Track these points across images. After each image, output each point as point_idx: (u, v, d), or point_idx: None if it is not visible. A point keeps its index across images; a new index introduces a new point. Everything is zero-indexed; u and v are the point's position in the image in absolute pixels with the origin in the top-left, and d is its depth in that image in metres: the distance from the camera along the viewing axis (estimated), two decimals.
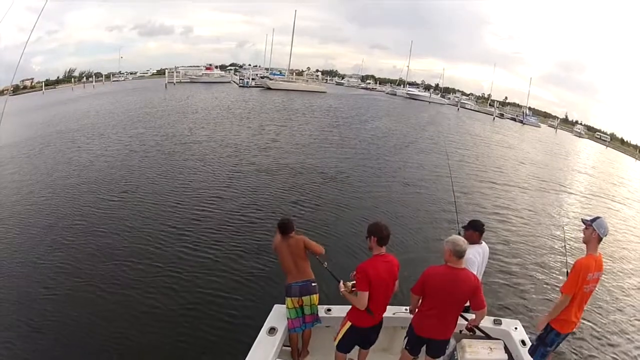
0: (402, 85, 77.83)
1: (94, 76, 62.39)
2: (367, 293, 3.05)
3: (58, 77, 65.91)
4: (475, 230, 3.87)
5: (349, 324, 3.32)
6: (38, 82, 56.86)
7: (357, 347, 3.57)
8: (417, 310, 3.37)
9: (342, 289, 3.25)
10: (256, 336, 3.50)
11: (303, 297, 3.67)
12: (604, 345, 5.87)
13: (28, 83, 57.04)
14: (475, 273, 3.42)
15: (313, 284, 3.74)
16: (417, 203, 11.75)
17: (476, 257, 3.73)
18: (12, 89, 35.97)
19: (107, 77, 65.31)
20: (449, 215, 9.68)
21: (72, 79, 64.22)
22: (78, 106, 29.72)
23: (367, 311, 3.13)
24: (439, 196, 12.25)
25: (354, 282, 3.23)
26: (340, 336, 3.40)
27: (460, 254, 2.97)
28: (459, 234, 3.83)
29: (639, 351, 5.92)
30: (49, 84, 58.22)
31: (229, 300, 6.00)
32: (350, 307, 3.33)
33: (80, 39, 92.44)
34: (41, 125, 22.00)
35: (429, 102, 64.44)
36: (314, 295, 3.73)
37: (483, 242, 3.94)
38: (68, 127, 21.03)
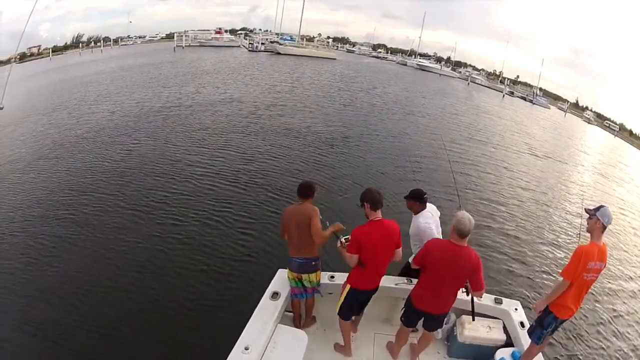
0: (413, 56, 76.26)
1: (102, 41, 61.71)
2: (355, 256, 3.15)
3: (66, 43, 65.04)
4: (415, 200, 3.77)
5: (348, 286, 3.36)
6: (45, 49, 55.95)
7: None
8: (417, 283, 3.37)
9: (338, 245, 3.35)
10: (259, 300, 3.49)
11: (302, 274, 3.58)
12: (600, 338, 5.83)
13: (35, 50, 56.11)
14: (434, 236, 3.54)
15: (314, 262, 3.57)
16: (418, 170, 11.54)
17: (429, 224, 3.66)
18: (18, 57, 35.66)
19: (116, 41, 64.55)
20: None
21: (80, 44, 63.63)
22: (86, 71, 29.54)
23: (359, 264, 3.20)
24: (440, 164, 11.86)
25: (348, 237, 3.29)
26: (341, 302, 3.43)
27: (462, 234, 2.93)
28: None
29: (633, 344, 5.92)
30: (57, 50, 57.16)
31: (233, 264, 6.00)
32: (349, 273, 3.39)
33: (89, 4, 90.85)
34: (49, 89, 21.79)
35: (440, 74, 63.24)
36: (313, 274, 3.59)
37: (428, 204, 3.83)
38: (79, 90, 20.76)
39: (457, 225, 2.93)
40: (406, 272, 3.97)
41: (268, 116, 15.87)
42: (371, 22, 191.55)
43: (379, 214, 3.19)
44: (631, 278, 8.05)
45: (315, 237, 3.38)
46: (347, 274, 3.50)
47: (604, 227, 2.99)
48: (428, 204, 3.85)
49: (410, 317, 3.39)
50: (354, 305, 3.49)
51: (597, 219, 2.99)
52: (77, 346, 4.47)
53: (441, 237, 3.72)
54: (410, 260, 3.92)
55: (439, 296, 3.16)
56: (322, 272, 3.74)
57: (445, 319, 3.55)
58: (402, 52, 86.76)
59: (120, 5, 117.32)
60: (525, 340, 3.46)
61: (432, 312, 3.26)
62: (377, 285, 3.43)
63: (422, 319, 3.39)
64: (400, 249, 3.33)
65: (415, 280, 3.67)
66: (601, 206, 3.07)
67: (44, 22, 70.94)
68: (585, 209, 3.16)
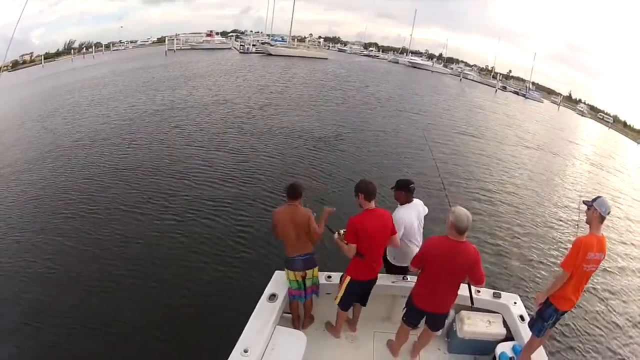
0: (405, 54, 76.51)
1: (93, 46, 61.48)
2: (354, 245, 3.24)
3: (58, 50, 64.52)
4: (400, 190, 3.76)
5: (348, 278, 3.41)
6: (38, 56, 55.33)
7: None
8: (416, 282, 3.36)
9: (335, 237, 3.48)
10: (256, 302, 3.50)
11: (307, 271, 3.62)
12: (600, 329, 5.88)
13: (27, 57, 55.53)
14: (400, 234, 3.58)
15: (314, 257, 3.69)
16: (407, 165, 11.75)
17: (403, 220, 3.66)
18: (10, 64, 35.23)
19: (107, 47, 64.19)
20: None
21: (72, 51, 63.22)
22: (78, 77, 29.21)
23: (359, 255, 3.28)
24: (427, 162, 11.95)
25: (343, 230, 3.41)
26: (341, 293, 3.50)
27: (460, 230, 2.90)
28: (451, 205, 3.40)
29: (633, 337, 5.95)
30: (49, 56, 56.46)
31: (230, 266, 6.00)
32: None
33: (81, 9, 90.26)
34: (42, 96, 21.44)
35: (432, 71, 63.21)
36: (315, 269, 3.69)
37: (414, 199, 3.83)
38: (72, 96, 20.56)
39: (455, 222, 2.90)
40: (390, 271, 4.03)
41: (262, 116, 15.94)
42: (363, 22, 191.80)
43: (372, 204, 3.30)
44: (628, 264, 8.26)
45: (315, 236, 3.56)
46: (342, 274, 3.60)
47: (602, 218, 3.02)
48: (415, 200, 3.86)
49: (412, 316, 3.40)
50: (353, 296, 3.57)
51: (594, 209, 3.01)
52: (77, 345, 4.54)
53: (421, 233, 3.85)
54: (388, 258, 4.02)
55: (437, 294, 3.16)
56: (319, 272, 3.80)
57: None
58: (394, 50, 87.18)
59: (113, 9, 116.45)
60: (525, 334, 3.46)
61: (433, 312, 3.27)
62: (376, 275, 3.52)
63: (424, 317, 3.41)
64: (397, 235, 3.46)
65: (410, 277, 3.79)
66: (598, 197, 3.09)
67: (39, 27, 70.33)
68: (582, 200, 3.18)
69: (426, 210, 3.97)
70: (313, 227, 3.53)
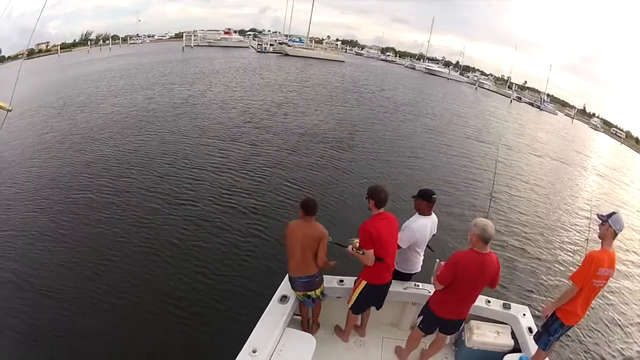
0: (422, 60, 76.37)
1: (110, 39, 62.35)
2: (371, 251, 3.19)
3: (74, 41, 65.57)
4: (422, 199, 3.60)
5: (364, 283, 3.39)
6: (54, 46, 56.31)
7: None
8: (436, 293, 3.31)
9: (350, 251, 3.39)
10: (267, 303, 3.49)
11: (308, 292, 3.53)
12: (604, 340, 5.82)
13: (43, 47, 56.52)
14: (411, 239, 3.52)
15: (317, 279, 3.50)
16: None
17: (419, 229, 3.58)
18: (26, 52, 36.08)
19: (124, 40, 65.15)
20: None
21: (89, 42, 64.14)
22: (96, 68, 29.52)
23: (378, 260, 3.23)
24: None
25: (357, 240, 3.35)
26: (355, 297, 3.46)
27: (487, 240, 2.91)
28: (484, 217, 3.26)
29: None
30: (65, 47, 57.44)
31: (242, 268, 5.95)
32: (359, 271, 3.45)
33: (99, 2, 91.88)
34: (60, 84, 21.69)
35: (448, 78, 63.17)
36: (318, 289, 3.55)
37: (433, 214, 3.70)
38: (88, 86, 20.71)
39: (483, 234, 2.89)
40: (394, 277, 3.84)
41: (280, 114, 15.90)
42: (380, 27, 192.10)
43: (381, 210, 3.31)
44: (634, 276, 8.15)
45: (319, 261, 3.36)
46: (355, 278, 3.57)
47: (615, 234, 2.98)
48: (432, 216, 3.70)
49: (428, 324, 3.39)
50: (368, 301, 3.53)
51: (608, 226, 2.97)
52: (86, 320, 4.63)
53: (424, 245, 3.72)
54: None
55: (462, 303, 3.20)
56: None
57: None
58: (411, 55, 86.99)
59: (130, 3, 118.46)
60: (532, 346, 3.45)
61: (452, 318, 3.28)
62: (391, 279, 3.48)
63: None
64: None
65: (422, 285, 3.80)
66: (613, 212, 3.03)
67: (54, 19, 71.58)
68: (597, 214, 3.13)
69: (435, 231, 3.81)
70: (321, 252, 3.33)
